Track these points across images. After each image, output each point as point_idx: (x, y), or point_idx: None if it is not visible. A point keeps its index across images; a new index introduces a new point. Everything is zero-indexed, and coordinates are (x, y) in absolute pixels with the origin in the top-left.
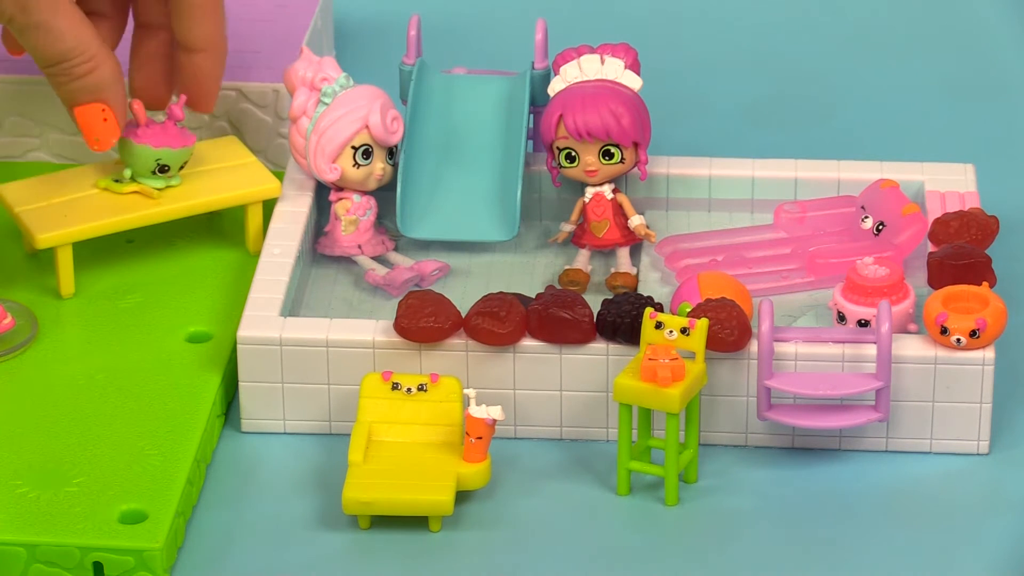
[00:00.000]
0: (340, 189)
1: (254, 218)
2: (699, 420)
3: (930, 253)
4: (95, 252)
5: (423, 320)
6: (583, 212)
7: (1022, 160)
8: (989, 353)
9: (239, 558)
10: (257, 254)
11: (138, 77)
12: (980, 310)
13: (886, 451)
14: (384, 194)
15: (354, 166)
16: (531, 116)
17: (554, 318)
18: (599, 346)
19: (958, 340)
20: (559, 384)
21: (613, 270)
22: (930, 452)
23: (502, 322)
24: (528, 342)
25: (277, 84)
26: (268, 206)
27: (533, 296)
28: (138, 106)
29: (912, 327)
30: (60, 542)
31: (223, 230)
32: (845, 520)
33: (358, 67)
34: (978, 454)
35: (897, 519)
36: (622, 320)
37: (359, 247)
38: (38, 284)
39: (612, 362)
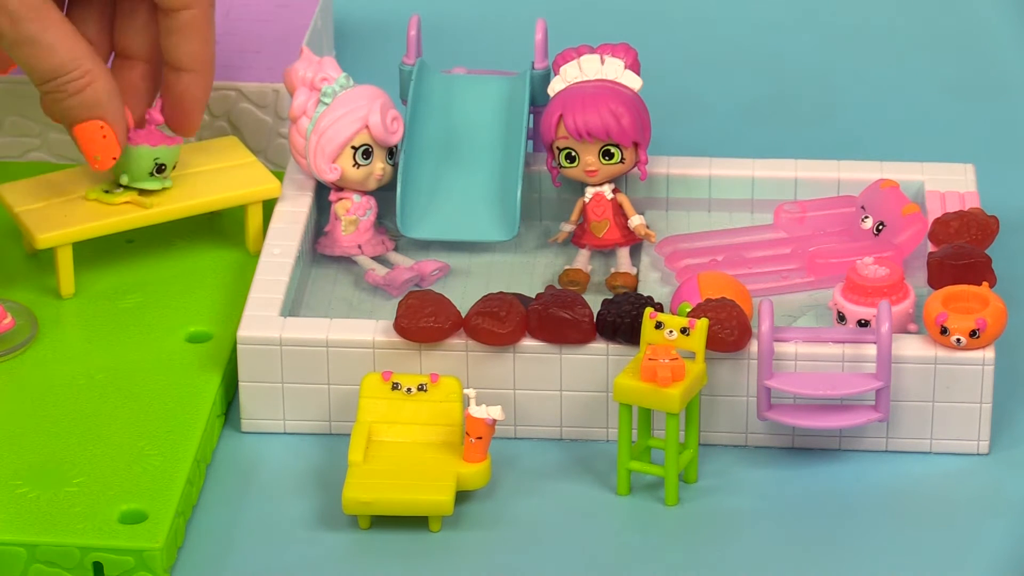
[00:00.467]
0: (340, 189)
1: (254, 218)
2: (699, 420)
3: (930, 253)
4: (95, 252)
5: (423, 320)
6: (583, 212)
7: (1022, 160)
8: (989, 353)
9: (239, 558)
10: (257, 254)
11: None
12: (980, 310)
13: (886, 451)
14: (384, 194)
15: (354, 166)
16: (531, 116)
17: (554, 318)
18: (599, 346)
19: (958, 340)
20: (559, 384)
21: (613, 270)
22: (930, 452)
23: (502, 322)
24: (528, 342)
25: (277, 84)
26: (268, 206)
27: (533, 296)
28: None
29: (912, 327)
30: (60, 542)
31: (223, 230)
32: (845, 520)
33: (358, 67)
34: (978, 454)
35: (897, 519)
36: (622, 320)
37: (359, 247)
38: (38, 284)
39: (612, 362)
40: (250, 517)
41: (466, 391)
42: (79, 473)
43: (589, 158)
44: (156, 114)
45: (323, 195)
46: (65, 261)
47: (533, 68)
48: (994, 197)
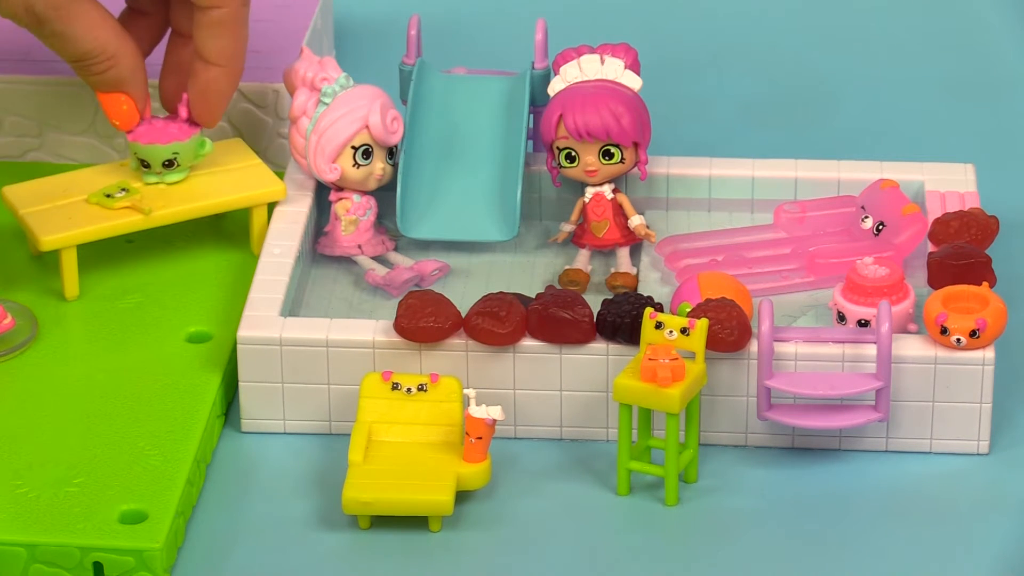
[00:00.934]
0: (340, 189)
1: (258, 220)
2: (699, 420)
3: (930, 253)
4: (95, 253)
5: (423, 320)
6: (583, 212)
7: (1022, 160)
8: (989, 353)
9: (239, 558)
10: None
11: (165, 83)
12: (980, 310)
13: (886, 451)
14: (384, 194)
15: (354, 166)
16: (531, 116)
17: (554, 318)
18: (599, 346)
19: (958, 340)
20: (559, 384)
21: (613, 270)
22: (930, 452)
23: (502, 322)
24: (528, 342)
25: (277, 84)
26: (271, 207)
27: (533, 296)
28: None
29: (912, 327)
30: (60, 542)
31: (224, 230)
32: (845, 520)
33: (358, 67)
34: (978, 454)
35: (897, 519)
36: (622, 320)
37: (359, 247)
38: (42, 285)
39: (612, 362)
40: (250, 517)
41: (466, 391)
42: (79, 473)
43: (589, 158)
44: (182, 108)
45: (323, 195)
46: (69, 263)
47: (533, 68)
48: (994, 197)
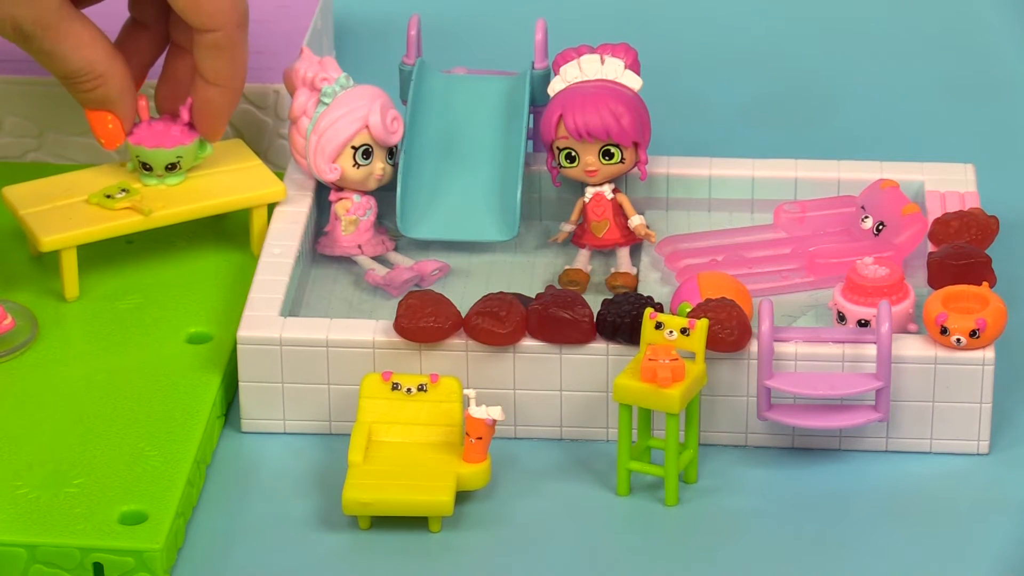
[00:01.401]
0: (340, 189)
1: (258, 221)
2: (699, 420)
3: (930, 253)
4: (95, 253)
5: (423, 320)
6: (583, 212)
7: (1022, 160)
8: (989, 353)
9: (239, 558)
10: None
11: (161, 90)
12: (980, 310)
13: (886, 451)
14: (384, 194)
15: (354, 166)
16: (531, 116)
17: (554, 318)
18: (599, 346)
19: (958, 340)
20: (559, 384)
21: (613, 270)
22: (930, 452)
23: (502, 322)
24: (528, 342)
25: (277, 84)
26: (271, 208)
27: (533, 296)
28: (143, 103)
29: (912, 327)
30: (60, 543)
31: (224, 231)
32: (845, 520)
33: (358, 67)
34: (978, 454)
35: (897, 519)
36: (622, 320)
37: (359, 247)
38: (42, 286)
39: (612, 362)
40: (250, 517)
41: (466, 391)
42: (79, 474)
43: (589, 158)
44: (184, 111)
45: (323, 195)
46: (69, 264)
47: (533, 68)
48: (994, 197)
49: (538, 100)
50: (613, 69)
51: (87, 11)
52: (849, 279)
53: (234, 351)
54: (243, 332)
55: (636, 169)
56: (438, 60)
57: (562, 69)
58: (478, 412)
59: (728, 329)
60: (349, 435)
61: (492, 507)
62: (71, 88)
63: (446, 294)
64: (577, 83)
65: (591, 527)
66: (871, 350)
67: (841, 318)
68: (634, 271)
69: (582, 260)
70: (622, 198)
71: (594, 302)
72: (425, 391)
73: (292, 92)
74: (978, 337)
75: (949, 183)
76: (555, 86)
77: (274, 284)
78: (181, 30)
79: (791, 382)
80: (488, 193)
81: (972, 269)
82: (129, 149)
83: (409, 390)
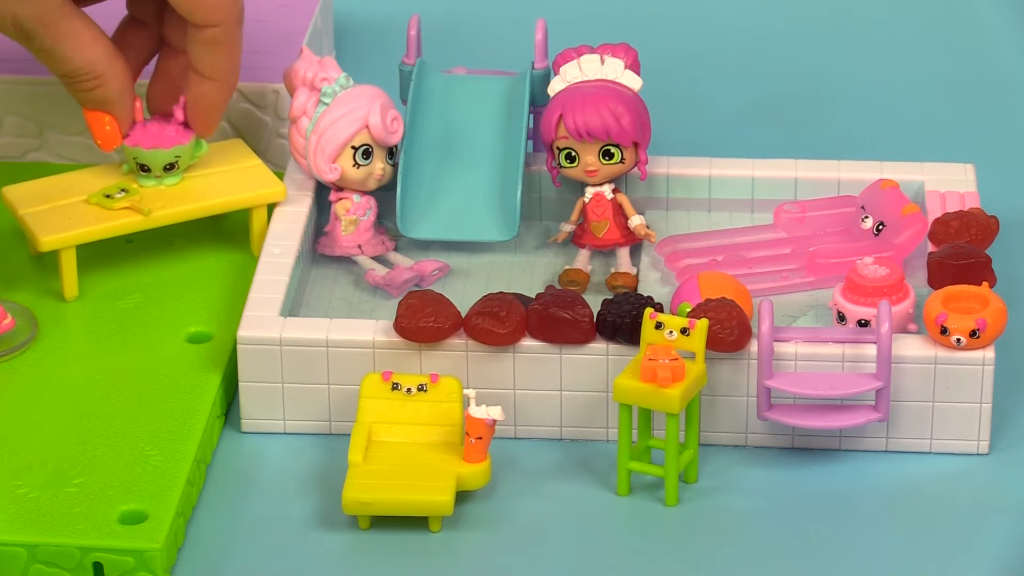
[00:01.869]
0: (340, 189)
1: (258, 221)
2: (699, 420)
3: (930, 253)
4: (95, 253)
5: (423, 320)
6: (583, 212)
7: (1022, 160)
8: (989, 353)
9: (239, 558)
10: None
11: (153, 89)
12: (980, 310)
13: (886, 451)
14: (384, 194)
15: (354, 166)
16: (531, 116)
17: (554, 318)
18: (599, 346)
19: (958, 340)
20: (559, 384)
21: (613, 270)
22: (930, 452)
23: (502, 322)
24: (528, 342)
25: (277, 84)
26: (271, 208)
27: (533, 296)
28: (138, 104)
29: (912, 327)
30: (60, 542)
31: (224, 231)
32: (845, 520)
33: (358, 67)
34: (978, 454)
35: (897, 519)
36: (622, 320)
37: (359, 247)
38: (41, 286)
39: (612, 362)
40: (250, 517)
41: (466, 391)
42: (79, 473)
43: (589, 158)
44: (179, 111)
45: (323, 195)
46: (69, 264)
47: (533, 68)
48: (994, 197)
49: (538, 100)
50: (613, 69)
51: (88, 10)
52: (849, 279)
53: (234, 351)
54: (243, 332)
55: (636, 169)
56: (438, 60)
57: (562, 69)
58: (478, 412)
59: (728, 329)
60: (349, 435)
61: (492, 507)
62: (71, 87)
63: (446, 294)
64: (577, 83)
65: (591, 527)
66: (871, 350)
67: (841, 318)
68: (634, 271)
69: (582, 260)
70: (622, 198)
71: (594, 302)
72: (425, 391)
73: (292, 92)
74: (978, 337)
75: (949, 183)
76: (555, 86)
77: (274, 284)
78: (175, 29)
79: (791, 382)
80: (488, 193)
81: (972, 269)
82: (126, 151)
83: (409, 390)
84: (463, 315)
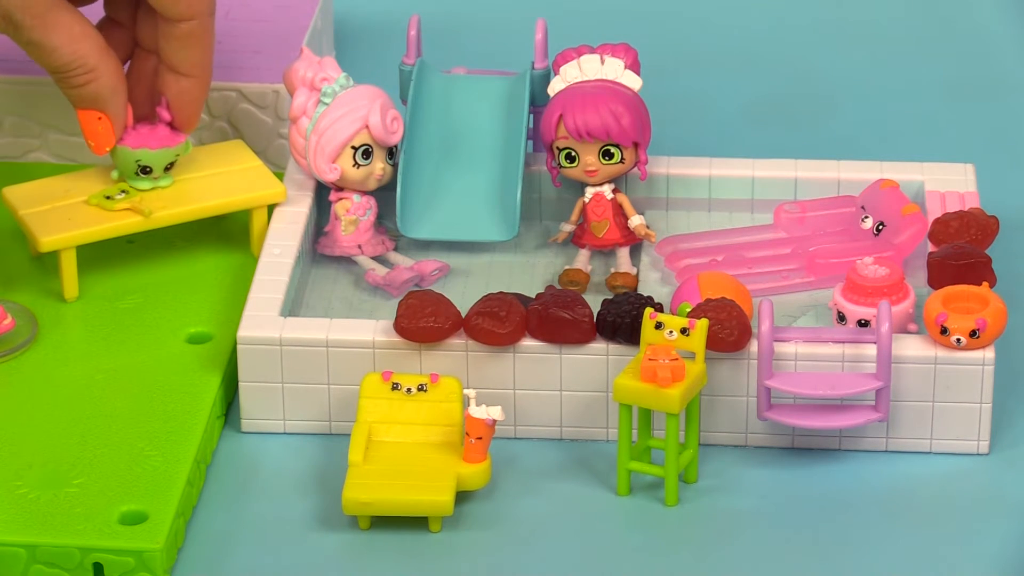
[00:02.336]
0: (340, 189)
1: (258, 222)
2: (699, 420)
3: (930, 253)
4: (95, 253)
5: (423, 320)
6: (583, 212)
7: (1022, 160)
8: (989, 353)
9: (239, 558)
10: None
11: (134, 94)
12: (980, 310)
13: (886, 451)
14: (384, 194)
15: (354, 166)
16: (531, 116)
17: (554, 318)
18: (599, 346)
19: (958, 340)
20: (559, 384)
21: (613, 270)
22: (930, 452)
23: (502, 322)
24: (528, 342)
25: (277, 84)
26: (271, 208)
27: (533, 296)
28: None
29: (912, 327)
30: (60, 543)
31: (224, 231)
32: (845, 520)
33: (358, 67)
34: (978, 454)
35: (897, 519)
36: (622, 320)
37: (359, 247)
38: (41, 286)
39: (612, 362)
40: (250, 517)
41: (466, 391)
42: (79, 473)
43: (589, 158)
44: (164, 112)
45: (323, 195)
46: (69, 264)
47: (533, 68)
48: (994, 197)
49: (538, 100)
50: (613, 69)
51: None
52: (849, 279)
53: (234, 351)
54: (243, 332)
55: (636, 169)
56: (438, 60)
57: (562, 69)
58: (478, 412)
59: (728, 329)
60: (349, 435)
61: (492, 507)
62: (63, 83)
63: (446, 294)
64: (577, 83)
65: (591, 527)
66: (871, 350)
67: (841, 318)
68: (634, 271)
69: (582, 260)
70: (622, 198)
71: (594, 302)
72: (425, 391)
73: (292, 92)
74: (978, 337)
75: (949, 183)
76: (555, 86)
77: (274, 284)
78: (147, 30)
79: (791, 382)
80: (488, 193)
81: (972, 269)
82: (125, 155)
83: (409, 390)
84: (463, 315)
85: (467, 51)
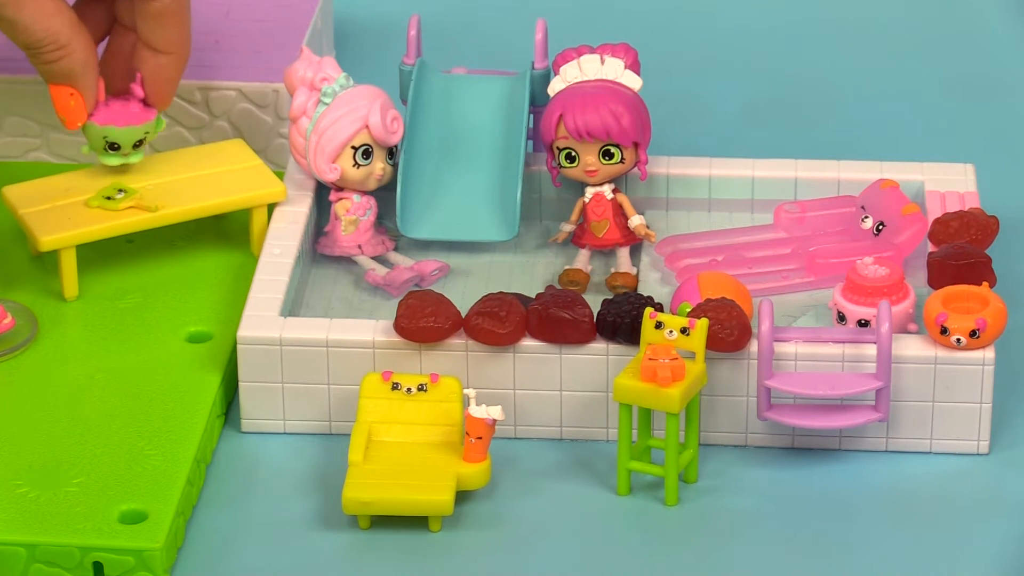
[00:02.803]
0: (340, 189)
1: (258, 221)
2: (699, 420)
3: (930, 253)
4: (95, 253)
5: (423, 320)
6: (583, 212)
7: (1022, 160)
8: (989, 353)
9: (239, 558)
10: None
11: (105, 69)
12: (980, 310)
13: (886, 451)
14: (384, 194)
15: (354, 166)
16: (531, 116)
17: (554, 318)
18: (599, 346)
19: (958, 340)
20: (559, 384)
21: (613, 270)
22: (930, 452)
23: (502, 322)
24: (528, 342)
25: (277, 84)
26: (271, 208)
27: (533, 296)
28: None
29: (912, 327)
30: (60, 542)
31: (224, 231)
32: (845, 520)
33: (358, 67)
34: (978, 454)
35: (897, 519)
36: (622, 320)
37: (359, 247)
38: (41, 286)
39: (612, 362)
40: (250, 517)
41: (466, 391)
42: (79, 473)
43: (589, 158)
44: (138, 88)
45: (323, 195)
46: (69, 264)
47: (533, 68)
48: (994, 197)
49: (538, 100)
50: (613, 69)
51: None
52: (849, 279)
53: (234, 351)
54: (243, 332)
55: (636, 169)
56: (438, 60)
57: (562, 69)
58: (478, 412)
59: (728, 329)
60: (349, 435)
61: (492, 507)
62: (35, 59)
63: (446, 294)
64: (577, 83)
65: (591, 527)
66: (871, 350)
67: (841, 318)
68: (634, 271)
69: (582, 260)
70: (622, 198)
71: (594, 302)
72: (425, 391)
73: (292, 92)
74: (978, 337)
75: (949, 183)
76: (555, 86)
77: (274, 284)
78: (125, 6)
79: (791, 382)
80: (488, 193)
81: (972, 269)
82: (93, 131)
83: (409, 390)
84: (463, 315)
85: (467, 51)
